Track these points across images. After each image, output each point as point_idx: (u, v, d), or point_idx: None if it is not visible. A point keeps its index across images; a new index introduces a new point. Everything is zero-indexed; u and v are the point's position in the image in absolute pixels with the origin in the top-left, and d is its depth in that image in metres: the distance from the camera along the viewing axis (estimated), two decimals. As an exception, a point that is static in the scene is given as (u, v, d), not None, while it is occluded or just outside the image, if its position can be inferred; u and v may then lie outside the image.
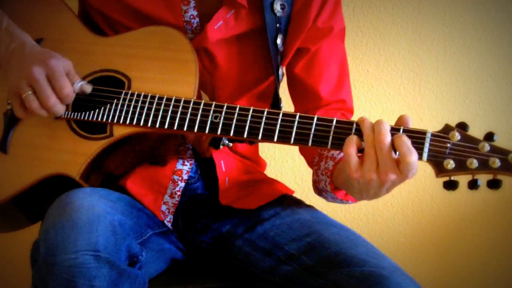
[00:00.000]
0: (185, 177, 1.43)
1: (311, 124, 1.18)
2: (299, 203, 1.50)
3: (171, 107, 1.27)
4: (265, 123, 1.21)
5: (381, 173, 1.11)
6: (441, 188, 1.12)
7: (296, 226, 1.37)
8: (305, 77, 1.47)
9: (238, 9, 1.37)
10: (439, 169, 1.10)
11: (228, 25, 1.38)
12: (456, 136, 1.10)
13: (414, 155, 1.09)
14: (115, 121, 1.29)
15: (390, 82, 2.05)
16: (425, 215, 2.14)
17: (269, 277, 1.34)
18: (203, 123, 1.24)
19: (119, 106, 1.30)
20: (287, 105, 1.49)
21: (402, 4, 2.01)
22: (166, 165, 1.43)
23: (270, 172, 1.92)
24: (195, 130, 1.25)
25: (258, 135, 1.21)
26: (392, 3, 2.01)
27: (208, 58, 1.41)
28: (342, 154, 1.31)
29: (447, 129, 1.12)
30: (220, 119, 1.24)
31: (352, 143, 1.12)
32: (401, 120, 1.15)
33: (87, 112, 1.31)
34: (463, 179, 1.10)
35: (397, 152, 1.10)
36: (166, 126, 1.26)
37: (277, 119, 1.21)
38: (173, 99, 1.27)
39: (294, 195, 1.55)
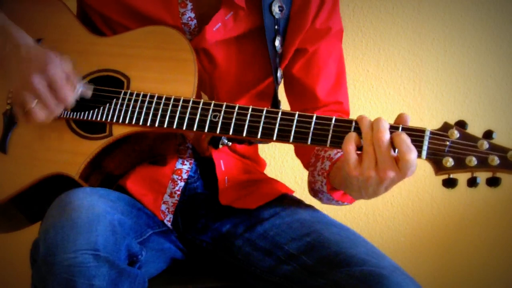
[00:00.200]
0: (185, 176, 1.43)
1: (310, 122, 1.18)
2: (299, 203, 1.50)
3: (170, 106, 1.27)
4: (264, 122, 1.21)
5: (380, 171, 1.11)
6: (441, 187, 1.12)
7: (296, 226, 1.37)
8: (303, 77, 1.47)
9: (236, 10, 1.37)
10: (438, 167, 1.10)
11: (226, 26, 1.38)
12: (455, 134, 1.10)
13: (413, 153, 1.09)
14: (114, 120, 1.29)
15: (390, 82, 2.05)
16: (425, 215, 2.13)
17: (269, 276, 1.34)
18: (202, 122, 1.25)
19: (118, 106, 1.30)
20: (285, 107, 1.49)
21: (402, 4, 2.01)
22: (166, 165, 1.43)
23: (270, 172, 1.92)
24: (194, 129, 1.25)
25: (257, 133, 1.21)
26: (392, 3, 2.01)
27: (207, 58, 1.41)
28: (339, 155, 1.32)
29: (446, 127, 1.12)
30: (219, 118, 1.24)
31: (351, 140, 1.12)
32: (400, 119, 1.15)
33: (87, 112, 1.31)
34: (462, 177, 1.10)
35: (396, 150, 1.10)
36: (165, 125, 1.26)
37: (276, 118, 1.21)
38: (172, 98, 1.27)
39: (294, 195, 1.55)
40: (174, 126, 1.26)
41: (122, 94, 1.31)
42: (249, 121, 1.22)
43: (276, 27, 1.40)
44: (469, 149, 1.09)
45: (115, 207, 1.22)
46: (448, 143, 1.10)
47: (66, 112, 1.32)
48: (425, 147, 1.11)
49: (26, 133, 1.35)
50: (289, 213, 1.42)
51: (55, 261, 1.09)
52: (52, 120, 1.31)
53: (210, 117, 1.24)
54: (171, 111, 1.26)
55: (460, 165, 1.09)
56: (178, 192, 1.43)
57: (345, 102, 1.51)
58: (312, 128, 1.18)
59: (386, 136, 1.10)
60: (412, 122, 1.14)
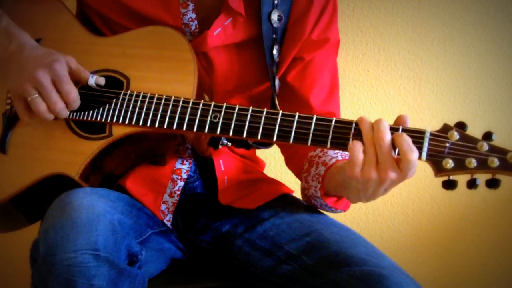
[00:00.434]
0: (184, 176, 1.43)
1: (310, 123, 1.18)
2: (299, 203, 1.50)
3: (170, 106, 1.27)
4: (264, 123, 1.21)
5: (381, 171, 1.11)
6: (441, 188, 1.12)
7: (296, 226, 1.38)
8: (297, 85, 1.47)
9: (235, 17, 1.37)
10: (438, 169, 1.10)
11: (226, 32, 1.38)
12: (455, 135, 1.10)
13: (415, 153, 1.09)
14: (114, 121, 1.29)
15: (390, 82, 2.05)
16: (425, 215, 2.13)
17: (269, 276, 1.34)
18: (202, 123, 1.25)
19: (118, 106, 1.30)
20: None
21: (402, 4, 2.01)
22: (166, 165, 1.43)
23: (270, 172, 1.92)
24: (194, 129, 1.25)
25: (257, 134, 1.21)
26: (392, 3, 2.00)
27: (206, 61, 1.41)
28: (334, 160, 1.32)
29: (445, 128, 1.12)
30: (219, 118, 1.24)
31: (359, 148, 1.12)
32: (399, 120, 1.15)
33: (86, 112, 1.31)
34: (462, 179, 1.10)
35: (397, 151, 1.10)
36: (165, 126, 1.26)
37: (276, 119, 1.21)
38: (172, 98, 1.27)
39: (294, 194, 1.55)
40: (174, 127, 1.26)
41: (122, 95, 1.31)
42: (249, 121, 1.22)
43: (274, 36, 1.40)
44: (469, 150, 1.09)
45: (115, 207, 1.22)
46: (448, 144, 1.10)
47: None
48: (425, 149, 1.11)
49: (26, 133, 1.35)
50: (289, 213, 1.42)
51: (55, 261, 1.09)
52: (53, 119, 1.31)
53: (210, 118, 1.24)
54: (171, 112, 1.26)
55: (460, 166, 1.09)
56: (178, 192, 1.43)
57: (338, 114, 1.51)
58: (312, 129, 1.18)
59: (388, 136, 1.10)
60: (412, 122, 1.14)
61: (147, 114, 1.28)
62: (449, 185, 1.11)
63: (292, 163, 1.51)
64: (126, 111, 1.29)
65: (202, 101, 1.26)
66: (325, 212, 1.45)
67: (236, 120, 1.23)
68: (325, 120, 1.18)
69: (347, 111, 1.85)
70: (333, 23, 1.46)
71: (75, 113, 1.32)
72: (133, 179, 1.41)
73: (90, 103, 1.32)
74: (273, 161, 2.04)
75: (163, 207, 1.43)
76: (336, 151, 1.35)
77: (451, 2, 2.01)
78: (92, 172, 1.31)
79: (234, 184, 1.47)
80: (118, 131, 1.29)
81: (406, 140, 1.09)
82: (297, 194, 1.55)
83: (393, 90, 2.05)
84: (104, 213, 1.15)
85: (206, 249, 1.46)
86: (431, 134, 1.11)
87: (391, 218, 2.14)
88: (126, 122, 1.28)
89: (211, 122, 1.24)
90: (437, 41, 2.02)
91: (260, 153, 1.64)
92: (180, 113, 1.26)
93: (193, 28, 1.39)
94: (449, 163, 1.09)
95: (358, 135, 1.14)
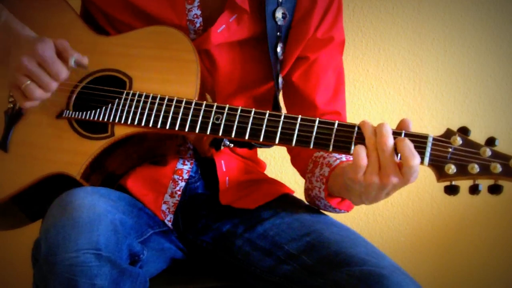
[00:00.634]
0: (186, 176, 1.43)
1: (313, 126, 1.18)
2: (299, 203, 1.50)
3: (172, 107, 1.26)
4: (267, 125, 1.21)
5: (383, 176, 1.11)
6: (441, 188, 1.12)
7: (296, 226, 1.37)
8: (302, 85, 1.46)
9: (240, 13, 1.37)
10: (440, 174, 1.10)
11: (230, 29, 1.38)
12: (458, 140, 1.10)
13: (416, 158, 1.09)
14: (116, 121, 1.29)
15: (390, 82, 2.05)
16: (425, 215, 2.14)
17: (269, 276, 1.34)
18: (204, 124, 1.24)
19: (120, 106, 1.30)
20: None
21: (402, 4, 2.01)
22: (167, 165, 1.43)
23: (270, 172, 1.92)
24: (197, 131, 1.25)
25: (259, 136, 1.21)
26: (392, 3, 2.01)
27: (209, 60, 1.41)
28: (338, 161, 1.32)
29: (448, 133, 1.11)
30: (221, 120, 1.24)
31: (363, 152, 1.12)
32: (402, 124, 1.15)
33: (89, 112, 1.31)
34: (464, 184, 1.10)
35: (399, 156, 1.10)
36: (167, 127, 1.26)
37: (278, 121, 1.21)
38: (175, 99, 1.27)
39: (294, 195, 1.55)
40: (176, 128, 1.26)
41: (124, 95, 1.30)
42: (252, 123, 1.22)
43: (278, 33, 1.40)
44: (472, 156, 1.09)
45: (116, 206, 1.22)
46: (450, 149, 1.10)
47: (68, 111, 1.33)
48: (427, 154, 1.11)
49: (28, 131, 1.35)
50: (289, 213, 1.42)
51: (57, 260, 1.09)
52: (54, 119, 1.31)
53: (213, 119, 1.24)
54: (174, 113, 1.26)
55: (462, 172, 1.09)
56: (179, 192, 1.43)
57: (343, 114, 1.50)
58: (314, 132, 1.18)
59: (390, 141, 1.10)
60: (413, 122, 1.14)
61: (149, 115, 1.27)
62: (451, 190, 1.11)
63: (298, 162, 1.51)
64: (128, 111, 1.29)
65: (204, 102, 1.25)
66: (325, 212, 1.45)
67: (238, 122, 1.23)
68: (327, 124, 1.18)
69: (347, 111, 1.85)
70: (338, 22, 1.46)
71: (77, 113, 1.32)
72: (134, 179, 1.41)
73: (92, 102, 1.32)
74: (273, 161, 2.04)
75: (164, 207, 1.43)
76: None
77: (451, 2, 2.01)
78: (94, 172, 1.31)
79: (235, 185, 1.47)
80: (120, 131, 1.29)
81: (408, 146, 1.09)
82: (297, 194, 1.55)
83: (393, 90, 2.05)
84: (105, 213, 1.15)
85: (206, 249, 1.46)
86: (434, 139, 1.11)
87: (391, 218, 2.14)
88: (128, 122, 1.28)
89: (213, 123, 1.24)
90: (437, 41, 2.03)
91: (260, 153, 1.64)
92: (182, 114, 1.26)
93: (197, 25, 1.39)
94: (452, 169, 1.09)
95: (361, 138, 1.14)
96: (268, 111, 1.22)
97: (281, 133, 1.20)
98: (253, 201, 1.46)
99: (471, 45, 2.03)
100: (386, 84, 2.05)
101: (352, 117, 1.52)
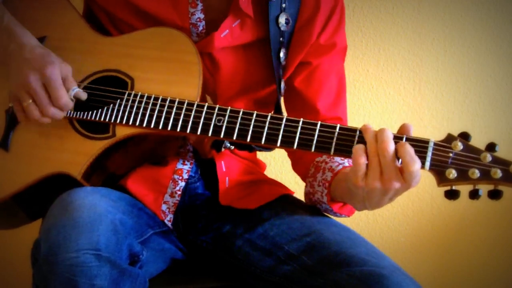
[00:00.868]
0: (186, 176, 1.43)
1: (315, 130, 1.18)
2: (299, 203, 1.50)
3: (174, 109, 1.26)
4: (268, 128, 1.21)
5: (385, 181, 1.11)
6: (441, 188, 1.12)
7: (296, 226, 1.38)
8: (304, 89, 1.47)
9: (244, 19, 1.37)
10: (441, 178, 1.11)
11: (233, 34, 1.38)
12: (459, 145, 1.10)
13: (417, 163, 1.09)
14: (118, 121, 1.29)
15: (390, 82, 2.05)
16: (425, 215, 2.14)
17: (269, 276, 1.34)
18: (206, 126, 1.24)
19: (122, 107, 1.30)
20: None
21: (402, 4, 2.01)
22: (167, 165, 1.43)
23: (270, 172, 1.93)
24: (198, 132, 1.25)
25: (261, 139, 1.21)
26: (392, 3, 2.01)
27: (211, 62, 1.41)
28: (340, 167, 1.32)
29: (449, 138, 1.12)
30: (223, 122, 1.24)
31: (362, 152, 1.12)
32: (403, 129, 1.15)
33: (90, 112, 1.31)
34: (464, 189, 1.10)
35: (400, 161, 1.10)
36: (169, 128, 1.26)
37: (280, 124, 1.20)
38: (177, 101, 1.27)
39: (294, 195, 1.55)
40: (178, 129, 1.26)
41: (126, 95, 1.31)
42: (254, 126, 1.22)
43: (281, 39, 1.40)
44: (472, 161, 1.09)
45: (116, 206, 1.22)
46: (451, 154, 1.10)
47: (69, 111, 1.32)
48: (428, 158, 1.11)
49: (29, 131, 1.35)
50: (289, 213, 1.42)
51: (57, 260, 1.09)
52: (52, 120, 1.31)
53: (214, 121, 1.24)
54: (175, 114, 1.26)
55: (463, 177, 1.09)
56: (179, 192, 1.43)
57: (344, 119, 1.51)
58: (316, 135, 1.18)
59: (391, 146, 1.10)
60: (413, 122, 1.15)
61: (151, 116, 1.27)
62: (452, 195, 1.11)
63: (299, 167, 1.51)
64: (130, 112, 1.29)
65: (206, 104, 1.25)
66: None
67: (240, 124, 1.23)
68: (329, 127, 1.18)
69: (348, 111, 1.84)
70: (340, 28, 1.46)
71: (79, 113, 1.32)
72: (134, 179, 1.41)
73: (94, 102, 1.32)
74: (273, 162, 2.04)
75: (164, 207, 1.43)
76: (343, 158, 1.35)
77: (451, 2, 2.01)
78: (95, 172, 1.31)
79: (235, 185, 1.47)
80: (122, 132, 1.29)
81: (409, 151, 1.09)
82: (297, 195, 1.55)
83: (393, 90, 2.05)
84: (105, 213, 1.15)
85: (206, 249, 1.46)
86: (435, 144, 1.12)
87: (391, 218, 2.14)
88: (130, 123, 1.28)
89: (215, 125, 1.24)
90: (437, 41, 2.03)
91: (260, 153, 1.64)
92: (184, 116, 1.26)
93: (200, 28, 1.39)
94: (452, 173, 1.09)
95: (362, 142, 1.14)
96: (270, 114, 1.22)
97: (283, 135, 1.20)
98: (253, 202, 1.46)
99: (471, 45, 2.03)
100: (386, 84, 2.05)
101: (352, 117, 1.52)
